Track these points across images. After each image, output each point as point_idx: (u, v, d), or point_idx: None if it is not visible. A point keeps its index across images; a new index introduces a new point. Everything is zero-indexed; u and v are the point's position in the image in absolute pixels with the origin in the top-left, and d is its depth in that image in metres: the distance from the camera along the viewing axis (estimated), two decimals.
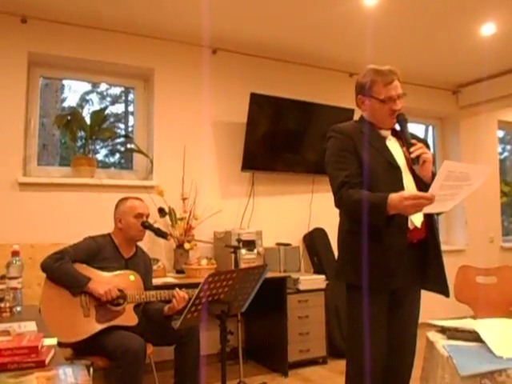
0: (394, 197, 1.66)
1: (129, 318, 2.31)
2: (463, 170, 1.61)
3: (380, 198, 1.69)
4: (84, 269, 2.30)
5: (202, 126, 3.80)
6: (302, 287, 3.45)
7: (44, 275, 2.27)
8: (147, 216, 2.52)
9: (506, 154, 6.45)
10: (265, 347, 3.55)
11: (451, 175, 1.58)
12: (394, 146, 1.92)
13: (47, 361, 1.06)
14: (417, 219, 1.82)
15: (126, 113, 4.25)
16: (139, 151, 3.63)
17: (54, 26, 3.27)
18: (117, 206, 2.55)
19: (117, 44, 3.50)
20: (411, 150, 1.77)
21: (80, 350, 2.26)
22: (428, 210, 1.65)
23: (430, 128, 5.40)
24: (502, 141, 6.12)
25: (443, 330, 1.81)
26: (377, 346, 1.82)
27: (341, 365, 3.39)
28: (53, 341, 1.25)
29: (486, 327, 1.72)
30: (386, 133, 1.93)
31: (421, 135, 2.03)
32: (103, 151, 4.26)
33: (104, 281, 2.29)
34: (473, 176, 1.64)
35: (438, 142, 5.33)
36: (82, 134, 3.55)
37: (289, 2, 3.24)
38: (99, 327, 2.22)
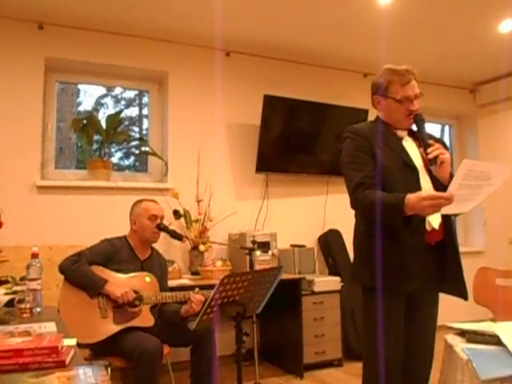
0: (411, 197, 1.63)
1: (145, 319, 2.33)
2: (483, 169, 1.57)
3: (397, 199, 1.67)
4: (101, 271, 2.33)
5: (215, 129, 3.82)
6: (316, 289, 3.43)
7: (62, 277, 2.31)
8: (161, 218, 2.54)
9: None
10: (280, 349, 3.54)
11: (470, 174, 1.54)
12: (410, 146, 1.89)
13: (67, 361, 1.07)
14: (434, 220, 1.79)
15: (140, 116, 4.29)
16: (154, 154, 3.66)
17: (70, 32, 3.32)
18: (132, 209, 2.57)
19: (131, 48, 3.54)
20: (428, 150, 1.74)
21: (98, 351, 2.29)
22: (447, 210, 1.62)
23: (446, 128, 5.33)
24: None
25: (462, 333, 1.79)
26: (394, 348, 1.79)
27: (356, 367, 3.37)
28: (72, 341, 1.26)
29: (507, 330, 1.68)
30: (403, 133, 1.91)
31: (437, 135, 2.00)
32: (118, 154, 4.30)
33: (120, 283, 2.31)
34: (493, 175, 1.60)
35: (455, 142, 5.26)
36: (97, 137, 3.59)
37: (301, 3, 3.23)
38: (116, 328, 2.24)
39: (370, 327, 1.84)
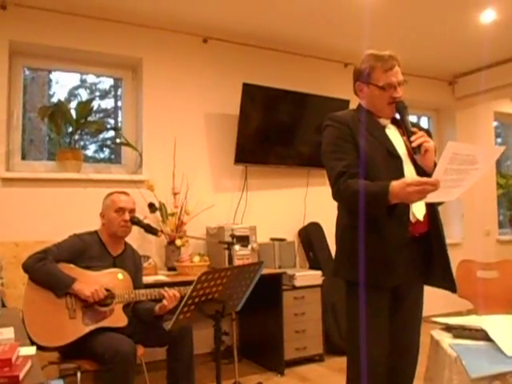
0: (395, 184, 1.57)
1: (118, 318, 2.21)
2: (469, 152, 1.50)
3: (380, 187, 1.60)
4: (70, 269, 2.19)
5: (192, 118, 3.68)
6: (297, 283, 3.36)
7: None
8: (131, 211, 2.39)
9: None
10: (260, 345, 3.47)
11: (456, 158, 1.47)
12: (394, 134, 1.83)
13: (21, 376, 0.94)
14: (419, 211, 1.73)
15: (116, 108, 4.12)
16: (128, 144, 3.50)
17: (37, 13, 3.12)
18: (103, 202, 2.44)
19: (103, 32, 3.36)
20: (412, 138, 1.68)
21: (67, 354, 2.17)
22: (432, 198, 1.55)
23: (423, 119, 5.32)
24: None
25: (448, 328, 1.74)
26: (379, 345, 1.74)
27: (338, 362, 3.35)
28: (31, 350, 1.13)
29: (494, 325, 1.64)
30: (386, 121, 1.85)
31: None
32: (93, 147, 4.13)
33: (90, 280, 2.18)
34: (480, 159, 1.53)
35: (434, 134, 5.25)
36: (71, 129, 3.41)
37: None
38: (86, 329, 2.12)
39: (354, 323, 1.77)
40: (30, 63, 3.40)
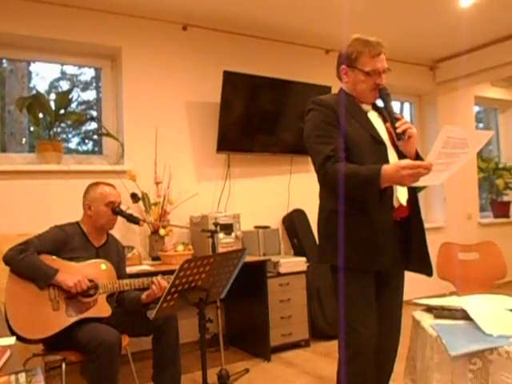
0: (387, 167, 1.58)
1: (102, 309, 2.19)
2: (462, 136, 1.52)
3: (372, 170, 1.61)
4: (52, 260, 2.16)
5: (173, 107, 3.64)
6: (282, 270, 3.38)
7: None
8: (119, 204, 2.38)
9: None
10: (246, 333, 3.48)
11: (449, 141, 1.49)
12: (376, 120, 1.84)
13: None
14: (402, 196, 1.75)
15: (98, 99, 4.05)
16: (108, 134, 3.45)
17: (14, 3, 3.03)
18: (87, 192, 2.39)
19: (82, 21, 3.27)
20: (397, 124, 1.69)
21: (52, 346, 2.15)
22: (423, 181, 1.57)
23: (406, 105, 5.35)
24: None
25: (429, 309, 1.77)
26: (368, 327, 1.76)
27: (323, 347, 3.39)
28: (10, 340, 1.12)
29: (473, 304, 1.67)
30: (368, 107, 1.86)
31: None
32: (76, 139, 4.07)
33: (73, 271, 2.16)
34: (471, 143, 1.56)
35: (416, 120, 5.29)
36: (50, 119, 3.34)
37: None
38: (70, 320, 2.10)
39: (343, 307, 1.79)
40: (7, 54, 3.31)
